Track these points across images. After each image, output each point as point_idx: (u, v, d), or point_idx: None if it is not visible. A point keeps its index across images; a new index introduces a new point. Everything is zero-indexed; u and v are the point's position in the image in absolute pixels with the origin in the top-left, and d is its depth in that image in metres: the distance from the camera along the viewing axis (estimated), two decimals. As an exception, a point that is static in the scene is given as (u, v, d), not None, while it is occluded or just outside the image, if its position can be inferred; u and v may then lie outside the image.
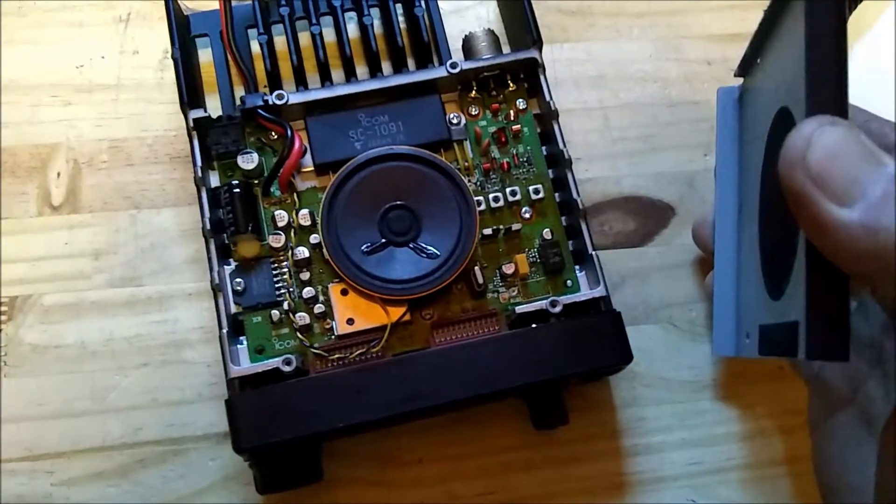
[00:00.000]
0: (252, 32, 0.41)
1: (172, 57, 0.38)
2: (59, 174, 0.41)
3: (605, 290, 0.37)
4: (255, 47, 0.41)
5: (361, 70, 0.41)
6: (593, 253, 0.37)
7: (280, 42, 0.41)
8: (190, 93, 0.38)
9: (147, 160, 0.42)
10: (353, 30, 0.42)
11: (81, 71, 0.43)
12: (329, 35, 0.41)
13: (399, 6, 0.42)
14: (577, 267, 0.38)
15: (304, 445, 0.35)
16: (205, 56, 0.41)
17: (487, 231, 0.38)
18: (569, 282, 0.38)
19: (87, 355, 0.39)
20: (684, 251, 0.42)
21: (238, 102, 0.39)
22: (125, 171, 0.41)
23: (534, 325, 0.36)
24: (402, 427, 0.38)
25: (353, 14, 0.42)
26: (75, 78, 0.43)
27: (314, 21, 0.40)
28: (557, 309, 0.36)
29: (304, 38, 0.41)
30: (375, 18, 0.41)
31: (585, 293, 0.37)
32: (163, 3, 0.39)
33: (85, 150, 0.42)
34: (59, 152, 0.41)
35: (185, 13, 0.41)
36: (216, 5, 0.40)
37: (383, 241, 0.37)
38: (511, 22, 0.43)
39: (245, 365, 0.36)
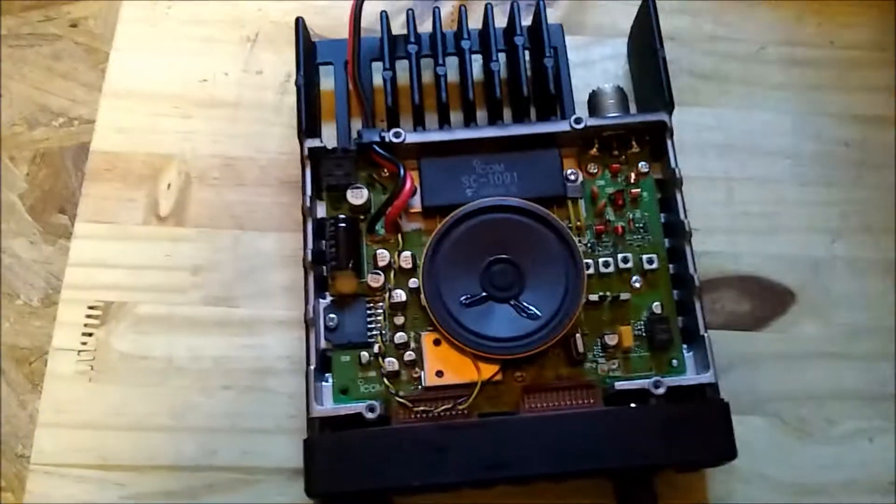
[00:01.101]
0: (376, 66, 0.40)
1: (296, 83, 0.38)
2: (169, 185, 0.41)
3: (714, 376, 0.34)
4: (378, 80, 0.40)
5: (481, 115, 0.40)
6: (705, 334, 0.35)
7: (402, 78, 0.40)
8: (308, 121, 0.37)
9: (257, 181, 0.41)
10: (477, 73, 0.41)
11: (204, 85, 0.43)
12: (453, 77, 0.40)
13: (527, 53, 0.41)
14: (684, 346, 0.36)
15: (378, 497, 0.34)
16: (326, 84, 0.41)
17: (593, 297, 0.36)
18: (674, 361, 0.36)
19: (172, 371, 0.39)
20: (802, 341, 0.39)
21: (354, 136, 0.38)
22: (234, 191, 0.41)
23: (632, 405, 0.34)
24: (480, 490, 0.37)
25: (478, 57, 0.41)
26: (197, 91, 0.43)
27: (440, 62, 0.39)
28: (660, 391, 0.34)
29: (427, 77, 0.40)
30: (502, 64, 0.40)
31: (692, 377, 0.35)
32: (292, 27, 0.39)
33: (198, 164, 0.42)
34: (172, 164, 0.42)
35: (313, 39, 0.41)
36: (345, 34, 0.40)
37: (484, 294, 0.35)
38: (641, 80, 0.41)
39: (328, 405, 0.35)
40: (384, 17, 0.40)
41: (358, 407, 0.34)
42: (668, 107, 0.37)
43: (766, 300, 0.40)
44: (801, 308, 0.40)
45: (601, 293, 0.36)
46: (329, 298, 0.36)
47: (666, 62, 0.38)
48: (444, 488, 0.33)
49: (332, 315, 0.36)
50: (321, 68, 0.41)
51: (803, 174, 0.42)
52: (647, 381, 0.34)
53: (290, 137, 0.39)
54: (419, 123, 0.39)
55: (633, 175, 0.38)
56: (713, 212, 0.41)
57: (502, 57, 0.40)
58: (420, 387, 0.35)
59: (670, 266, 0.37)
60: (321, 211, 0.38)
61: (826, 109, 0.43)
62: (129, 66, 0.43)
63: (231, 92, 0.43)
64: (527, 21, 0.41)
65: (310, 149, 0.37)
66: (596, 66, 0.43)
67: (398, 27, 0.41)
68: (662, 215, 0.38)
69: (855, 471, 0.37)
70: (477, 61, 0.41)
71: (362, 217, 0.37)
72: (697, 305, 0.35)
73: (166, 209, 0.41)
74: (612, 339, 0.36)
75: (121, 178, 0.41)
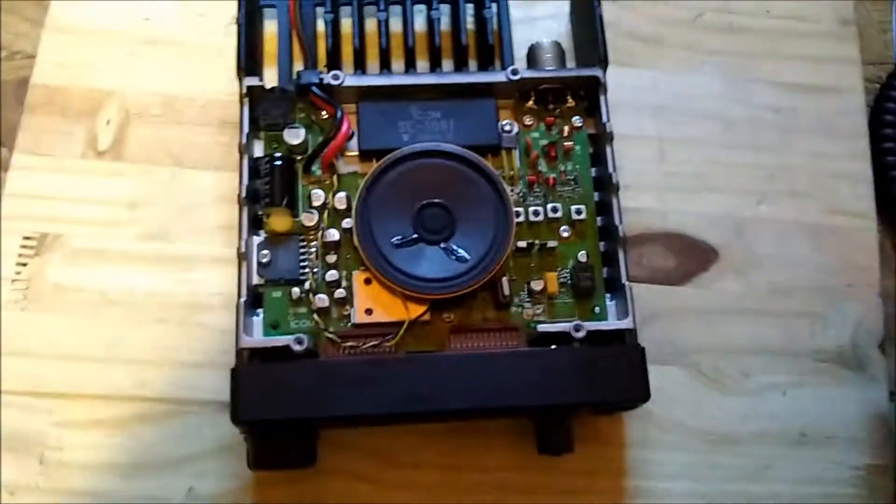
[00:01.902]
0: (319, 11, 0.41)
1: (237, 21, 0.38)
2: (108, 121, 0.41)
3: (634, 322, 0.35)
4: (321, 27, 0.41)
5: (422, 66, 0.40)
6: (626, 283, 0.36)
7: (345, 25, 0.41)
8: (248, 59, 0.38)
9: (197, 120, 0.42)
10: (419, 24, 0.41)
11: (147, 24, 0.43)
12: (395, 26, 0.41)
13: (470, 6, 0.41)
14: (608, 295, 0.37)
15: (302, 427, 0.35)
16: (269, 28, 0.41)
17: (522, 244, 0.37)
18: (597, 309, 0.37)
19: (105, 303, 0.39)
20: (722, 297, 0.40)
21: (294, 77, 0.38)
22: (173, 128, 0.41)
23: (553, 347, 0.35)
24: (403, 427, 0.38)
25: (422, 7, 0.41)
26: (140, 30, 0.43)
27: (382, 7, 0.40)
28: (581, 334, 0.35)
29: (370, 26, 0.41)
30: (444, 15, 0.41)
31: (612, 322, 0.36)
32: (236, -32, 0.39)
33: (138, 101, 0.42)
34: (112, 100, 0.42)
35: (257, -18, 0.41)
36: (289, -22, 0.40)
37: (415, 236, 0.36)
38: (580, 38, 0.42)
39: (257, 337, 0.35)
40: (330, -38, 0.41)
41: (286, 339, 0.34)
42: (603, 63, 0.38)
43: (691, 257, 0.41)
44: (724, 265, 0.41)
45: (530, 241, 0.37)
46: (263, 236, 0.37)
47: (602, 19, 0.38)
48: (368, 420, 0.34)
49: (265, 251, 0.36)
50: (266, 11, 0.41)
51: (733, 137, 0.43)
52: (569, 324, 0.35)
53: (230, 79, 0.39)
54: (360, 68, 0.39)
55: (566, 129, 0.39)
56: (644, 170, 0.42)
57: (445, 8, 0.41)
58: (349, 324, 0.36)
59: (598, 218, 0.38)
60: (258, 150, 0.38)
61: (758, 76, 0.44)
62: (74, 5, 0.43)
63: (174, 31, 0.43)
64: (471, -26, 0.42)
65: (248, 87, 0.37)
66: (538, 24, 0.44)
67: (344, -27, 0.41)
68: (593, 170, 0.39)
69: (767, 422, 0.39)
70: (420, 13, 0.41)
71: (299, 158, 0.38)
72: (621, 256, 0.36)
73: (105, 144, 0.41)
74: (537, 285, 0.37)
75: (60, 112, 0.41)
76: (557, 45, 0.40)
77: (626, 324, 0.36)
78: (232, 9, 0.41)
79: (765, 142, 0.43)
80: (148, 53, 0.42)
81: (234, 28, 0.41)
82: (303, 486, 0.37)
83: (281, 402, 0.33)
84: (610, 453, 0.38)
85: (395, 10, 0.41)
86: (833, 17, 0.45)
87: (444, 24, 0.41)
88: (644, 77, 0.43)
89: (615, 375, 0.34)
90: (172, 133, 0.41)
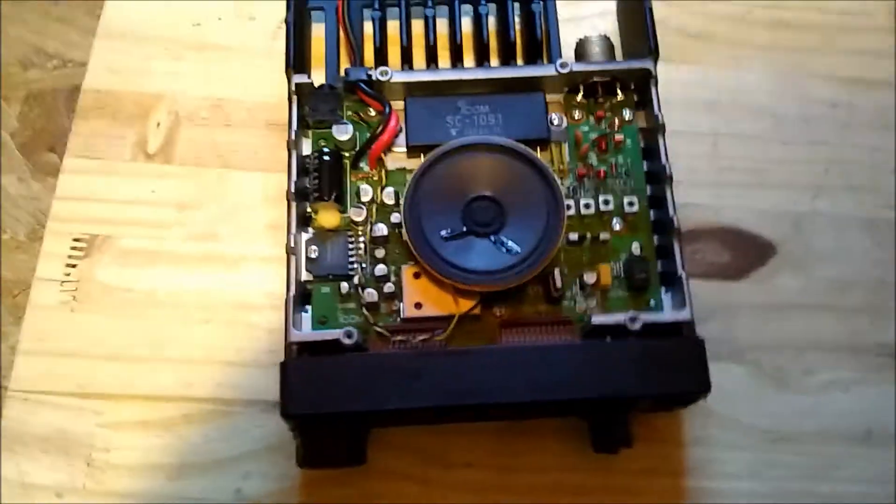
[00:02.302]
0: (367, 13, 0.41)
1: (285, 20, 0.38)
2: (158, 124, 0.42)
3: (691, 314, 0.34)
4: (368, 29, 0.41)
5: (469, 61, 0.40)
6: (682, 274, 0.35)
7: (392, 27, 0.41)
8: (297, 57, 0.38)
9: (245, 123, 0.42)
10: (466, 22, 0.41)
11: (197, 29, 0.43)
12: (442, 25, 0.41)
13: (517, 4, 0.41)
14: (662, 288, 0.36)
15: (352, 423, 0.34)
16: (317, 32, 0.42)
17: (573, 236, 0.36)
18: (652, 302, 0.36)
19: (153, 303, 0.39)
20: (781, 293, 0.39)
21: (342, 74, 0.38)
22: (222, 131, 0.42)
23: (609, 339, 0.34)
24: (454, 427, 0.37)
25: (468, 7, 0.41)
26: (189, 35, 0.43)
27: (429, 5, 0.40)
28: (637, 325, 0.34)
29: (417, 26, 0.41)
30: (491, 12, 0.41)
31: (669, 314, 0.35)
32: (284, -29, 0.40)
33: (187, 104, 0.42)
34: (162, 103, 0.42)
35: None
36: (336, -18, 0.40)
37: (464, 229, 0.36)
38: (628, 33, 0.41)
39: (306, 331, 0.35)
40: (376, -36, 0.41)
41: (335, 333, 0.34)
42: (653, 54, 0.38)
43: (747, 252, 0.40)
44: (781, 260, 0.40)
45: (581, 234, 0.36)
46: (311, 232, 0.37)
47: (651, 10, 0.38)
48: (418, 415, 0.34)
49: (313, 247, 0.36)
50: (313, 14, 0.42)
51: (787, 133, 0.42)
52: (624, 316, 0.34)
53: (278, 82, 0.39)
54: (407, 64, 0.39)
55: (616, 122, 0.38)
56: (697, 165, 0.41)
57: (491, 5, 0.41)
58: (399, 319, 0.35)
59: (651, 212, 0.37)
60: (307, 148, 0.38)
61: (811, 71, 0.43)
62: (124, 9, 0.44)
63: (223, 36, 0.43)
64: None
65: (297, 84, 0.37)
66: (585, 23, 0.44)
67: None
68: (645, 163, 0.38)
69: (829, 420, 0.37)
70: (467, 13, 0.41)
71: (346, 154, 0.38)
72: (676, 246, 0.35)
73: (154, 147, 0.41)
74: (590, 278, 0.36)
75: (111, 116, 0.42)
76: (606, 38, 0.40)
77: (683, 315, 0.34)
78: (280, 13, 0.41)
79: (819, 136, 0.42)
80: (197, 58, 0.43)
81: (282, 31, 0.42)
82: (352, 486, 0.36)
83: (331, 396, 0.33)
84: (668, 452, 0.37)
85: (442, 9, 0.41)
86: (886, 12, 0.44)
87: (491, 21, 0.41)
88: (695, 73, 0.43)
89: (674, 367, 0.33)
90: (220, 135, 0.42)
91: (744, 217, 0.40)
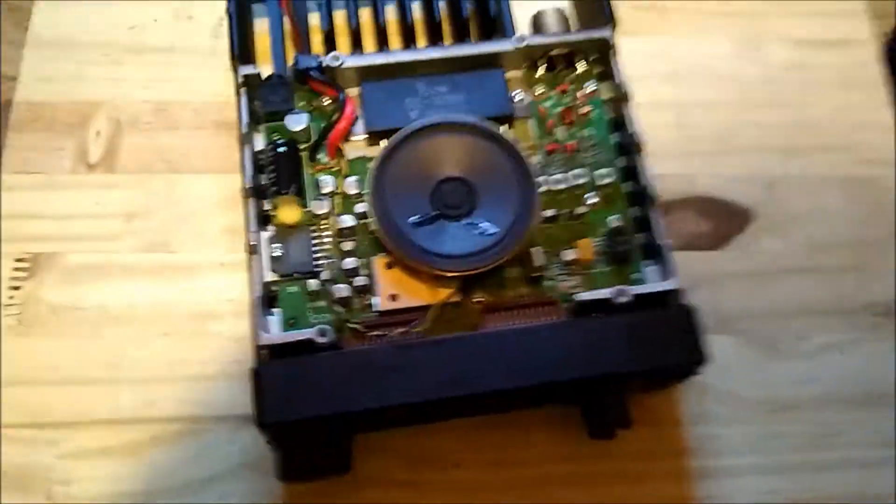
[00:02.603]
0: (311, 3, 0.39)
1: (227, 11, 0.36)
2: (98, 132, 0.39)
3: (678, 283, 0.33)
4: (314, 21, 0.39)
5: (422, 44, 0.39)
6: (665, 243, 0.34)
7: (340, 17, 0.39)
8: (242, 48, 0.36)
9: (192, 125, 0.40)
10: (416, 8, 0.40)
11: (133, 32, 0.41)
12: (390, 13, 0.39)
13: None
14: (645, 262, 0.35)
15: (334, 429, 0.32)
16: (261, 27, 0.40)
17: (548, 213, 0.35)
18: (637, 275, 0.35)
19: (107, 320, 0.36)
20: (763, 259, 0.38)
21: (292, 63, 0.36)
22: (168, 135, 0.39)
23: (596, 315, 0.33)
24: (440, 426, 0.35)
25: (417, -7, 0.40)
26: (126, 38, 0.41)
27: (377, -17, 0.38)
28: (624, 299, 0.32)
29: (365, 14, 0.39)
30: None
31: (657, 284, 0.33)
32: (222, -34, 0.38)
33: (129, 110, 0.40)
34: (102, 110, 0.40)
35: (246, -23, 0.40)
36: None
37: (436, 212, 0.34)
38: (582, 6, 0.40)
39: (276, 333, 0.33)
40: (319, -50, 0.39)
41: (307, 333, 0.31)
42: (611, 23, 0.37)
43: (725, 220, 0.39)
44: (760, 225, 0.39)
45: (556, 210, 0.35)
46: (272, 230, 0.35)
47: (606, -20, 0.37)
48: (403, 413, 0.32)
49: (276, 245, 0.34)
50: (255, 9, 0.40)
51: (751, 97, 0.41)
52: (611, 291, 0.33)
53: (225, 80, 0.38)
54: (358, 49, 0.38)
55: (580, 94, 0.37)
56: (664, 136, 0.40)
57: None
58: (373, 313, 0.33)
59: (625, 185, 0.36)
60: (260, 144, 0.36)
61: (769, 34, 0.42)
62: (53, 16, 0.41)
63: (162, 38, 0.41)
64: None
65: (244, 75, 0.35)
66: (537, 5, 0.42)
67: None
68: (614, 135, 0.37)
69: (829, 385, 0.36)
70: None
71: (303, 146, 0.36)
72: (654, 215, 0.34)
73: (96, 156, 0.39)
74: (570, 255, 0.34)
75: (47, 128, 0.39)
76: (561, 11, 0.39)
77: (671, 284, 0.33)
78: (220, 10, 0.39)
79: (784, 99, 0.41)
80: (136, 61, 0.41)
81: (224, 29, 0.40)
82: (339, 497, 0.34)
83: (309, 400, 0.30)
84: (666, 433, 0.35)
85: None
86: (838, -28, 0.44)
87: (441, 6, 0.39)
88: (651, 44, 0.42)
89: (667, 339, 0.32)
90: (167, 139, 0.39)
91: (717, 184, 0.39)
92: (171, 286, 0.37)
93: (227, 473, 0.34)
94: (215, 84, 0.40)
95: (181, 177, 0.39)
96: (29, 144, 0.39)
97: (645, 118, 0.39)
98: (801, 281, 0.38)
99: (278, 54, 0.38)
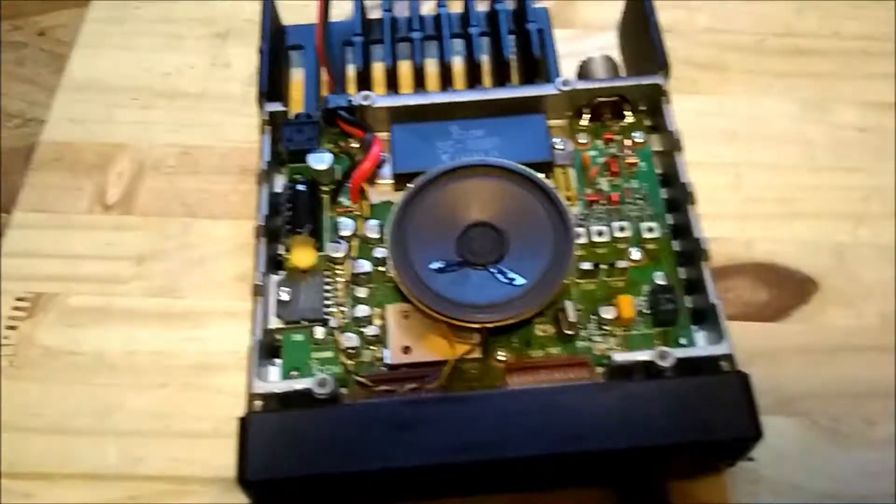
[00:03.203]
0: (348, 51, 0.38)
1: (259, 49, 0.35)
2: (120, 174, 0.38)
3: (730, 347, 0.29)
4: (350, 72, 0.38)
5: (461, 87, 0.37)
6: (716, 302, 0.30)
7: (378, 66, 0.38)
8: (270, 85, 0.34)
9: (215, 169, 0.38)
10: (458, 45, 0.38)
11: (168, 78, 0.40)
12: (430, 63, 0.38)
13: (511, 37, 0.38)
14: (693, 327, 0.31)
15: (328, 493, 0.28)
16: (297, 77, 0.39)
17: (586, 266, 0.31)
18: (682, 340, 0.31)
19: (102, 366, 0.34)
20: (830, 333, 0.34)
21: (321, 103, 0.35)
22: (189, 178, 0.38)
23: (636, 379, 0.29)
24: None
25: (460, 41, 0.38)
26: (160, 84, 0.40)
27: (416, 27, 0.36)
28: (668, 362, 0.28)
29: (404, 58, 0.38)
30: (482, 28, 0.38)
31: (705, 348, 0.29)
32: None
33: (153, 153, 0.38)
34: (125, 153, 0.38)
35: (284, 24, 0.39)
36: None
37: (459, 260, 0.31)
38: (633, 57, 0.38)
39: (273, 381, 0.29)
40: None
41: (306, 382, 0.28)
42: (663, 69, 0.34)
43: (786, 289, 0.35)
44: (826, 296, 0.34)
45: (595, 262, 0.31)
46: (282, 274, 0.32)
47: (658, 24, 0.35)
48: (408, 484, 0.28)
49: (284, 288, 0.31)
50: (293, 56, 0.39)
51: (816, 160, 0.38)
52: (651, 351, 0.29)
53: (255, 127, 0.36)
54: (393, 89, 0.36)
55: (628, 144, 0.34)
56: (720, 197, 0.37)
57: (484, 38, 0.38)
58: (383, 366, 0.30)
59: (674, 243, 0.33)
60: (280, 187, 0.34)
61: (835, 96, 0.39)
62: (91, 60, 0.41)
63: (196, 84, 0.40)
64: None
65: (270, 112, 0.34)
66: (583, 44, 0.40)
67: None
68: (663, 191, 0.34)
69: (905, 478, 0.31)
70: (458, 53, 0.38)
71: (325, 188, 0.33)
72: (706, 272, 0.30)
73: (114, 198, 0.37)
74: (608, 312, 0.30)
75: (69, 168, 0.38)
76: (610, 59, 0.36)
77: (722, 349, 0.29)
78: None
79: (853, 163, 0.38)
80: (166, 106, 0.40)
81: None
82: (330, 577, 0.29)
83: (299, 457, 0.27)
84: (715, 527, 0.30)
85: (431, 46, 0.38)
86: (906, 36, 0.41)
87: (484, 43, 0.38)
88: (708, 103, 0.39)
89: (717, 409, 0.27)
90: (188, 183, 0.38)
91: (778, 250, 0.36)
92: (174, 334, 0.34)
93: (211, 543, 0.30)
94: (244, 131, 0.38)
95: (198, 221, 0.37)
96: (48, 183, 0.38)
97: (700, 179, 0.35)
98: (873, 360, 0.33)
99: (310, 96, 0.36)
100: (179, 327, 0.34)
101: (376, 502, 0.30)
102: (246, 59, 0.41)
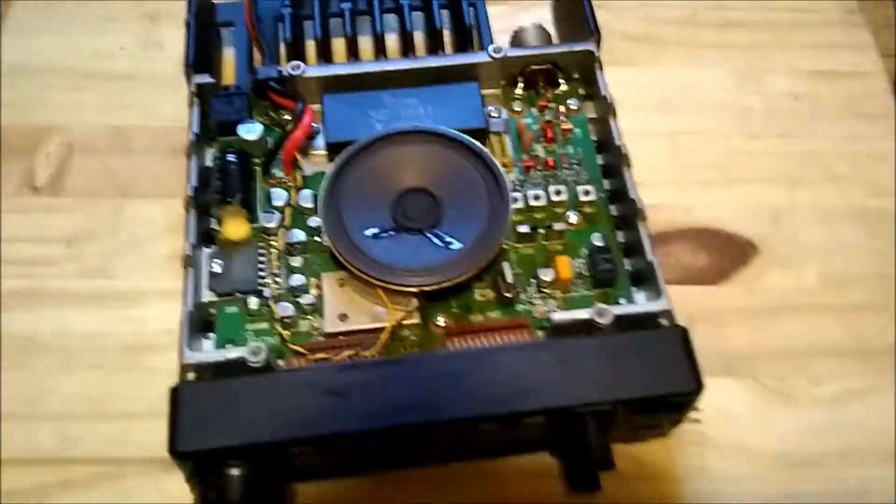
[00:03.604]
0: (280, 28, 0.37)
1: (185, 21, 0.34)
2: (48, 155, 0.37)
3: (669, 303, 0.29)
4: (283, 49, 0.37)
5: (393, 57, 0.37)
6: (653, 259, 0.30)
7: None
8: (197, 56, 0.34)
9: (148, 149, 0.37)
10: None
11: (99, 60, 0.40)
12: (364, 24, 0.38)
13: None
14: (633, 288, 0.31)
15: (264, 465, 0.27)
16: (229, 56, 0.38)
17: (524, 229, 0.31)
18: (622, 300, 0.30)
19: (33, 349, 0.32)
20: (771, 295, 0.34)
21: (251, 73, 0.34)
22: (121, 158, 0.37)
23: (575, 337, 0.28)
24: (398, 480, 0.30)
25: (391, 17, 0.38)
26: (91, 66, 0.39)
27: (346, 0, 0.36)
28: (606, 320, 0.28)
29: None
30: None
31: (644, 304, 0.29)
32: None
33: (83, 134, 0.37)
34: (55, 134, 0.37)
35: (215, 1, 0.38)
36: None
37: (394, 226, 0.30)
38: (565, 28, 0.38)
39: (205, 351, 0.29)
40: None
41: (239, 351, 0.27)
42: (595, 35, 0.34)
43: (726, 253, 0.35)
44: (766, 259, 0.35)
45: (532, 226, 0.31)
46: (215, 249, 0.31)
47: (590, -4, 0.35)
48: (344, 454, 0.27)
49: (217, 260, 0.31)
50: (225, 35, 0.38)
51: (753, 127, 0.38)
52: (591, 310, 0.28)
53: (187, 107, 0.35)
54: (325, 59, 0.35)
55: (562, 111, 0.34)
56: (658, 164, 0.37)
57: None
58: (320, 336, 0.29)
59: (611, 208, 0.32)
60: (211, 161, 0.33)
61: (769, 66, 0.40)
62: (19, 44, 0.40)
63: (127, 65, 0.39)
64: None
65: (197, 84, 0.33)
66: (517, 17, 0.40)
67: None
68: (599, 157, 0.34)
69: (851, 436, 0.31)
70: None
71: (257, 160, 0.33)
72: (643, 230, 0.30)
73: (42, 179, 0.36)
74: (547, 274, 0.30)
75: (-5, 152, 0.37)
76: (542, 27, 0.36)
77: (660, 305, 0.29)
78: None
79: (789, 129, 0.38)
80: (97, 87, 0.39)
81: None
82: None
83: (233, 427, 0.26)
84: (661, 489, 0.30)
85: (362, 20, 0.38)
86: (838, 8, 0.41)
87: (417, 18, 0.37)
88: (643, 74, 0.39)
89: (656, 363, 0.27)
90: (119, 163, 0.37)
91: (717, 216, 0.36)
92: (107, 315, 0.33)
93: (146, 526, 0.29)
94: (176, 110, 0.37)
95: (130, 201, 0.36)
96: (-25, 168, 0.37)
97: (637, 148, 0.35)
98: (815, 319, 0.33)
99: (242, 71, 0.36)
100: (113, 308, 0.33)
101: (317, 477, 0.29)
102: (178, 41, 0.39)
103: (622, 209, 0.32)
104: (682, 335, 0.28)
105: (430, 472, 0.30)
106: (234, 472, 0.26)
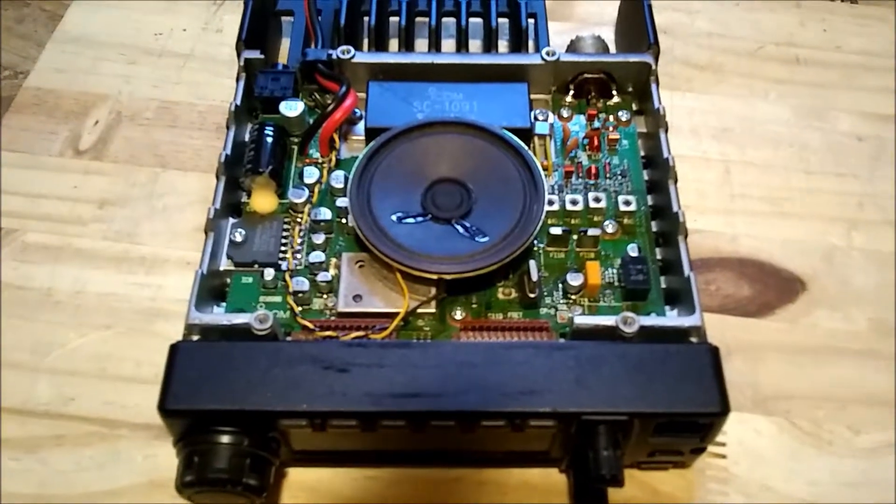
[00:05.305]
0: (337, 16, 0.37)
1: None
2: (96, 122, 0.37)
3: (700, 319, 0.27)
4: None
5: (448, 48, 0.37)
6: (690, 274, 0.28)
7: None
8: (250, 34, 0.34)
9: (192, 125, 0.37)
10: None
11: (158, 38, 0.40)
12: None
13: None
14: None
15: (254, 434, 0.26)
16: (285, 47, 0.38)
17: (556, 231, 0.30)
18: (652, 315, 0.29)
19: (48, 303, 0.32)
20: (817, 335, 0.32)
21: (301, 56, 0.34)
22: (165, 131, 0.37)
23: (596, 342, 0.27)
24: (395, 481, 0.28)
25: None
26: (149, 43, 0.40)
27: (406, -5, 0.36)
28: (631, 328, 0.26)
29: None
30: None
31: (674, 318, 0.28)
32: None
33: (132, 105, 0.38)
34: (105, 103, 0.38)
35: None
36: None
37: (422, 212, 0.29)
38: (625, 42, 0.37)
39: (212, 313, 0.28)
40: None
41: (245, 317, 0.27)
42: (653, 48, 0.33)
43: (771, 286, 0.33)
44: (813, 297, 0.32)
45: (565, 229, 0.30)
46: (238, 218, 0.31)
47: (650, 7, 0.34)
48: (342, 440, 0.25)
49: (240, 230, 0.30)
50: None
51: (810, 163, 0.36)
52: (615, 317, 0.27)
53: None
54: (380, 48, 0.35)
55: (612, 121, 0.33)
56: (708, 191, 0.35)
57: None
58: (333, 315, 0.28)
59: (652, 224, 0.31)
60: (248, 136, 0.33)
61: (832, 105, 0.38)
62: (85, 16, 0.41)
63: (185, 45, 0.40)
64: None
65: (246, 59, 0.33)
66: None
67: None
68: (646, 172, 0.32)
69: (885, 492, 0.28)
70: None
71: (294, 138, 0.32)
72: (682, 244, 0.29)
73: (87, 144, 0.37)
74: (575, 279, 0.29)
75: (47, 113, 0.38)
76: (601, 39, 0.35)
77: (692, 321, 0.27)
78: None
79: (848, 169, 0.36)
80: (153, 63, 0.39)
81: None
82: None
83: (225, 390, 0.25)
84: (677, 523, 0.28)
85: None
86: (907, 53, 0.40)
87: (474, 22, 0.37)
88: (702, 101, 0.38)
89: (680, 379, 0.25)
90: (163, 135, 0.37)
91: (763, 247, 0.34)
92: (125, 279, 0.33)
93: (132, 489, 0.28)
94: (226, 93, 0.38)
95: (167, 172, 0.36)
96: (24, 125, 0.37)
97: (688, 173, 0.35)
98: (861, 365, 0.31)
99: (294, 52, 0.36)
100: (133, 272, 0.33)
101: (308, 460, 0.28)
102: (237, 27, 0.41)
103: (663, 226, 0.31)
104: (713, 353, 0.26)
105: (431, 472, 0.28)
106: (222, 438, 0.25)
